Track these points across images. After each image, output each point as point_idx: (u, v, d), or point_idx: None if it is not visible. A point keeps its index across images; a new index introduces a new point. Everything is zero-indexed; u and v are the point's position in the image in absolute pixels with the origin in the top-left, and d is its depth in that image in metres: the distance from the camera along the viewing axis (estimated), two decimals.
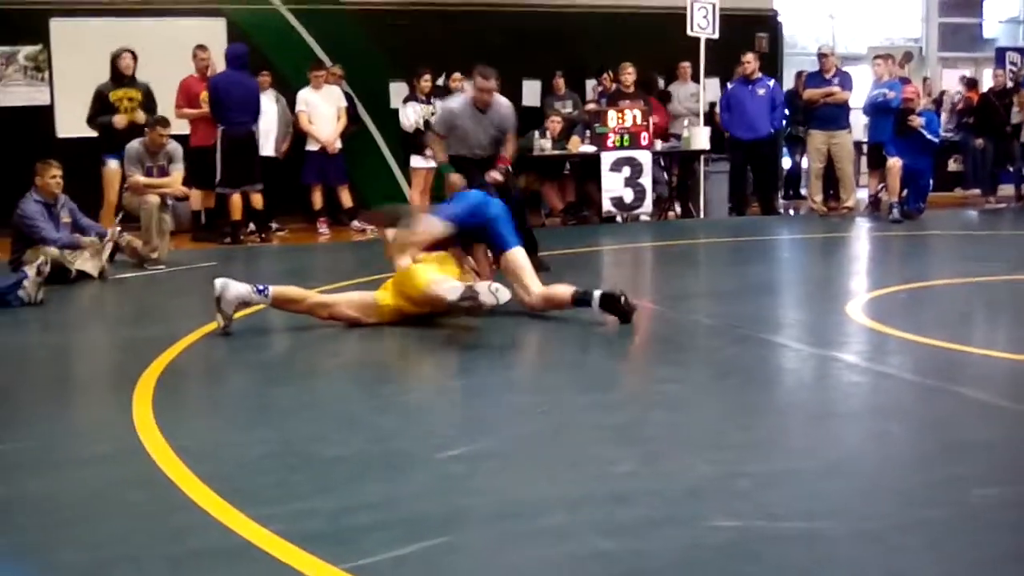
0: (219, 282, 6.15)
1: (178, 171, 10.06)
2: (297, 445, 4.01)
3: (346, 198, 12.64)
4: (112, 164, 10.87)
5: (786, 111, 14.48)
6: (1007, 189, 15.81)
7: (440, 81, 12.80)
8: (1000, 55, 17.63)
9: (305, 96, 12.41)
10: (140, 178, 9.80)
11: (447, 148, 8.61)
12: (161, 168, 9.92)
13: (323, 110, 12.43)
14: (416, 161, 12.43)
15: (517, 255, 6.65)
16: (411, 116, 12.36)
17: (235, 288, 6.12)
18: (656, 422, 4.34)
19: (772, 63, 15.94)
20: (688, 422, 4.34)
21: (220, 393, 5.16)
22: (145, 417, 4.37)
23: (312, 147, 12.43)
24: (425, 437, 4.07)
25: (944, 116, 16.47)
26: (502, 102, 8.61)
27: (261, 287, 6.20)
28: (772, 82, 13.81)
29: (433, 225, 6.54)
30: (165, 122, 9.98)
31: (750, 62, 13.45)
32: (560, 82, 13.85)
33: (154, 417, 4.37)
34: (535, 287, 6.57)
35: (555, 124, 12.88)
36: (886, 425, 4.29)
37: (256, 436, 4.17)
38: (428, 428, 4.24)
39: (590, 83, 14.64)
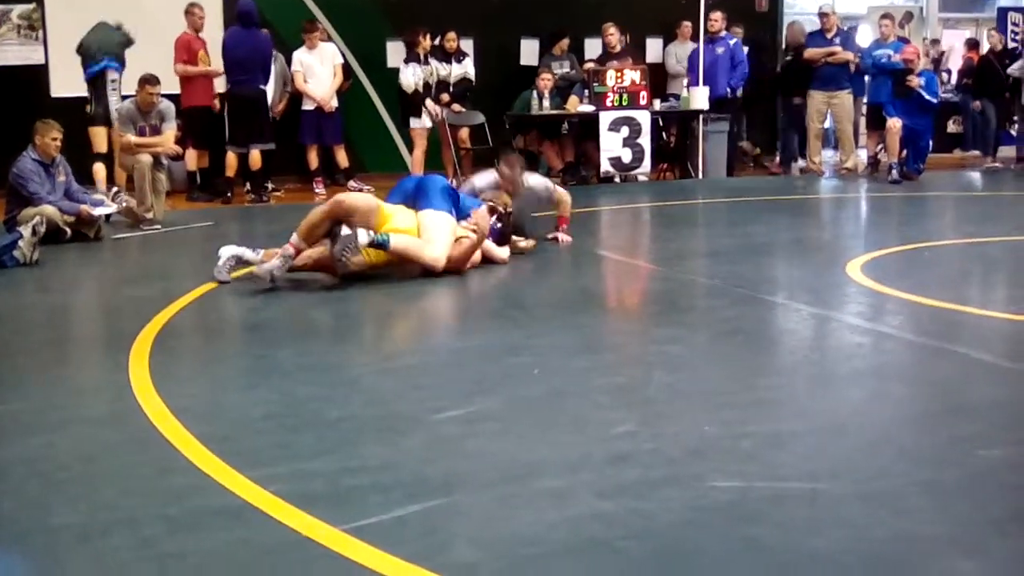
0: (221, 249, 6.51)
1: (170, 130, 9.97)
2: (297, 406, 3.98)
3: (342, 158, 12.55)
4: None
5: None
6: (1008, 151, 15.75)
7: (436, 41, 12.67)
8: (1002, 15, 17.49)
9: (300, 56, 12.29)
10: (132, 137, 9.72)
11: None
12: (153, 127, 9.83)
13: (318, 69, 12.32)
14: (415, 122, 12.34)
15: (428, 217, 6.57)
16: (410, 77, 12.25)
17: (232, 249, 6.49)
18: (656, 383, 4.32)
19: (772, 23, 15.85)
20: (688, 383, 4.32)
21: (218, 353, 5.13)
22: (142, 377, 4.35)
23: (308, 107, 12.33)
24: (424, 399, 4.05)
25: (944, 77, 16.40)
26: (531, 183, 8.03)
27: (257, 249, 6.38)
28: (734, 40, 13.66)
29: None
30: (155, 80, 9.86)
31: (716, 20, 13.33)
32: (564, 43, 13.70)
33: (151, 378, 4.34)
34: (432, 250, 6.45)
35: (545, 82, 12.74)
36: (888, 385, 4.28)
37: (255, 397, 4.14)
38: (427, 390, 4.21)
39: (589, 41, 14.52)
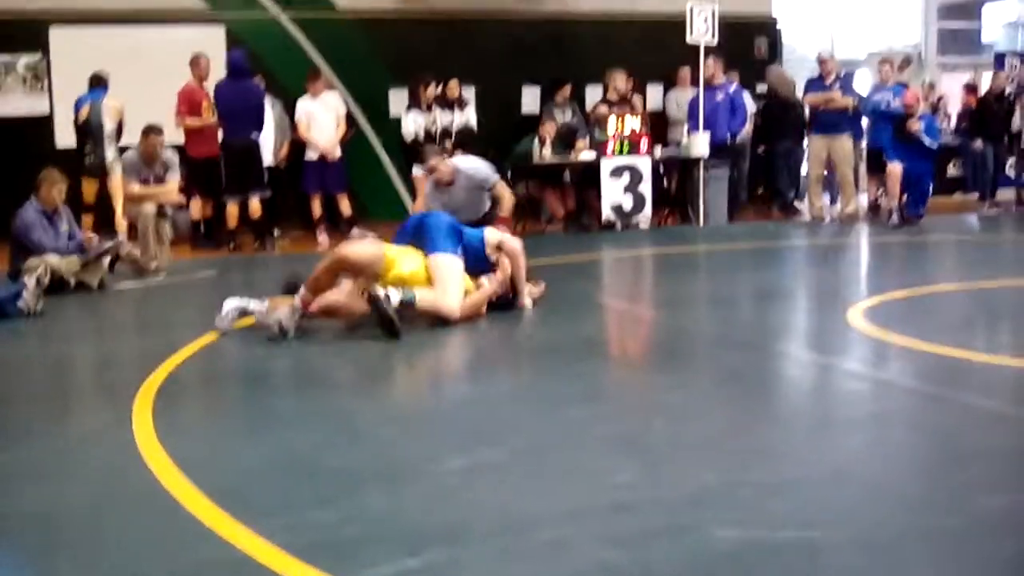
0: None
1: (174, 179, 10.05)
2: (298, 456, 4.00)
3: (345, 206, 12.61)
4: None
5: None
6: (1007, 193, 15.81)
7: (439, 90, 12.76)
8: (999, 59, 17.61)
9: (303, 105, 12.39)
10: (135, 187, 9.78)
11: None
12: (158, 177, 9.92)
13: (322, 118, 12.41)
14: (418, 170, 12.41)
15: (438, 262, 6.62)
16: (411, 125, 12.35)
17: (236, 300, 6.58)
18: (657, 431, 4.34)
19: (783, 68, 15.93)
20: (689, 431, 4.33)
21: (220, 403, 5.16)
22: (145, 428, 4.36)
23: (311, 155, 12.41)
24: (426, 448, 4.06)
25: (944, 120, 16.49)
26: (461, 166, 8.45)
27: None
28: (733, 86, 13.78)
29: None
30: (158, 130, 9.94)
31: (708, 68, 13.43)
32: (566, 90, 13.82)
33: (154, 428, 4.36)
34: (448, 301, 6.51)
35: (549, 131, 12.85)
36: (888, 433, 4.29)
37: (257, 447, 4.16)
38: (429, 440, 4.23)
39: (590, 88, 14.63)
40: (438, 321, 6.44)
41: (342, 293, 6.42)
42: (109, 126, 10.98)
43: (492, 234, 7.11)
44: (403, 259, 6.53)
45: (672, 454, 4.00)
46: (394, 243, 6.88)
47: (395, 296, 6.11)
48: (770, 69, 14.72)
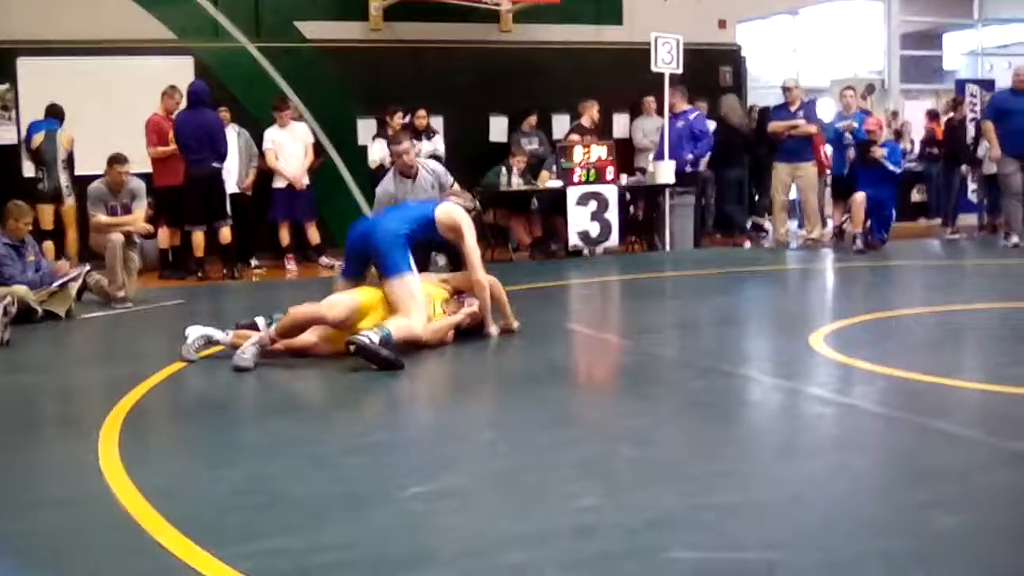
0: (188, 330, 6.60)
1: (140, 208, 10.05)
2: (264, 484, 4.02)
3: (314, 235, 12.65)
4: None
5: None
6: (969, 218, 16.02)
7: (407, 119, 12.85)
8: (960, 87, 17.86)
9: (271, 134, 12.43)
10: (103, 217, 9.79)
11: None
12: (125, 206, 9.91)
13: (290, 147, 12.46)
14: (380, 149, 12.48)
15: (395, 287, 6.60)
16: (377, 152, 12.43)
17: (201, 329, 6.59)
18: (621, 456, 4.38)
19: (736, 96, 16.10)
20: (652, 455, 4.38)
21: (187, 432, 5.16)
22: (111, 458, 4.37)
23: (279, 184, 12.45)
24: (390, 476, 4.09)
25: (908, 146, 16.71)
26: (428, 164, 8.56)
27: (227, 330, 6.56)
28: (694, 114, 13.93)
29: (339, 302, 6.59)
30: (123, 159, 9.94)
31: (669, 96, 13.59)
32: (532, 119, 13.97)
33: (121, 458, 4.37)
34: (415, 322, 6.50)
35: (519, 162, 12.99)
36: (849, 456, 4.35)
37: (223, 476, 4.18)
38: (393, 467, 4.26)
39: (556, 117, 14.75)
40: (410, 346, 6.47)
41: (312, 333, 6.44)
42: (63, 154, 11.19)
43: (443, 214, 7.04)
44: (377, 306, 6.56)
45: (635, 478, 4.04)
46: (346, 249, 7.02)
47: (375, 337, 6.11)
48: (723, 98, 14.87)
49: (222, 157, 11.77)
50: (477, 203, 7.86)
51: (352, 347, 6.06)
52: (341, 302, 6.41)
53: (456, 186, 8.49)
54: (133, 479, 4.04)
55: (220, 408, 5.60)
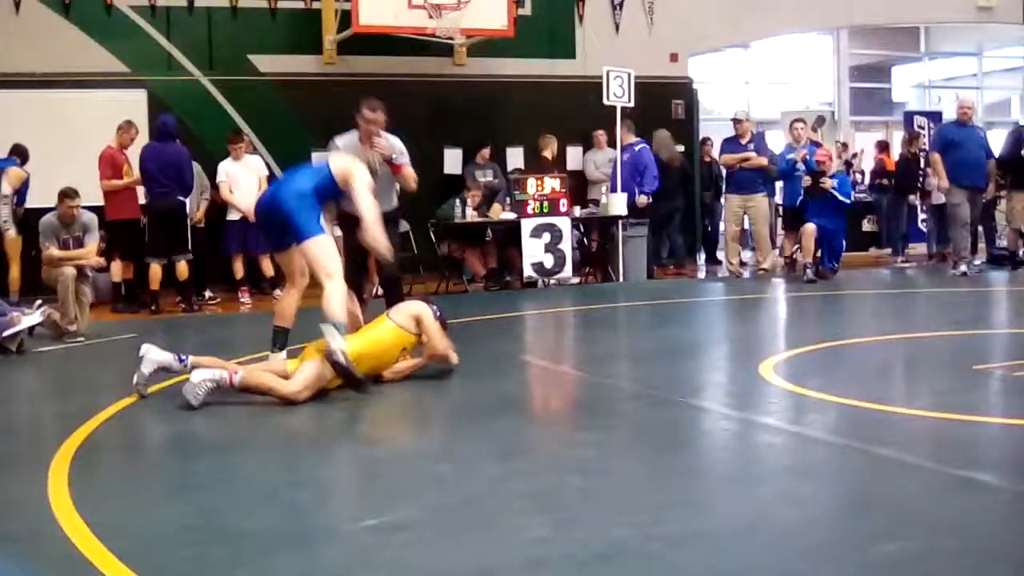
0: (143, 347, 6.40)
1: (93, 241, 9.99)
2: (214, 519, 4.02)
3: (267, 267, 12.62)
4: None
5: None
6: (919, 247, 16.25)
7: None
8: (908, 119, 18.15)
9: (225, 167, 12.43)
10: (54, 251, 9.73)
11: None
12: (77, 239, 9.85)
13: (244, 180, 12.45)
14: (337, 230, 12.45)
15: (309, 247, 6.54)
16: None
17: (157, 354, 6.38)
18: (571, 487, 4.41)
19: (688, 130, 16.29)
20: (603, 486, 4.41)
21: (138, 467, 5.14)
22: (61, 494, 4.35)
23: (233, 216, 12.43)
24: (341, 509, 4.11)
25: (858, 177, 16.96)
26: (390, 136, 8.07)
27: (183, 357, 6.42)
28: (639, 147, 14.06)
29: None
30: (74, 193, 9.87)
31: (605, 134, 13.77)
32: (486, 151, 14.06)
33: (70, 493, 4.34)
34: (332, 281, 6.43)
35: (475, 196, 13.07)
36: (799, 484, 4.40)
37: (173, 511, 4.17)
38: (345, 500, 4.28)
39: (511, 151, 14.85)
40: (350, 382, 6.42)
41: (271, 374, 6.38)
42: (7, 190, 11.32)
43: (337, 165, 6.88)
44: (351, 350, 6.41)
45: (586, 509, 4.07)
46: (259, 223, 7.08)
47: (343, 347, 6.14)
48: (655, 133, 15.01)
49: (188, 190, 11.80)
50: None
51: (330, 361, 6.11)
52: (298, 379, 6.20)
53: (406, 169, 8.16)
54: (83, 515, 4.02)
55: (172, 443, 5.58)
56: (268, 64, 14.09)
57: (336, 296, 6.34)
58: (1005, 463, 4.70)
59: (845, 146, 17.94)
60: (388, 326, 6.74)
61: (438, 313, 6.96)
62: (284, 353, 6.78)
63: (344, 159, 7.06)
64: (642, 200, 13.76)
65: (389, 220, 7.69)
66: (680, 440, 5.33)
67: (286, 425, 5.87)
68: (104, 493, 4.55)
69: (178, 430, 5.76)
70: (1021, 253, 13.75)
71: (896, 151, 16.92)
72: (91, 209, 10.37)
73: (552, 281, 12.98)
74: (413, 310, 6.89)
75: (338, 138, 8.12)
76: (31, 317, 8.96)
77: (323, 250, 6.52)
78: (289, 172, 7.32)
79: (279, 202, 6.68)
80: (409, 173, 8.11)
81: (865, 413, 5.59)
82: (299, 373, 6.23)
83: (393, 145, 8.01)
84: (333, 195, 6.82)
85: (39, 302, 9.67)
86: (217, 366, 6.30)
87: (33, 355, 8.64)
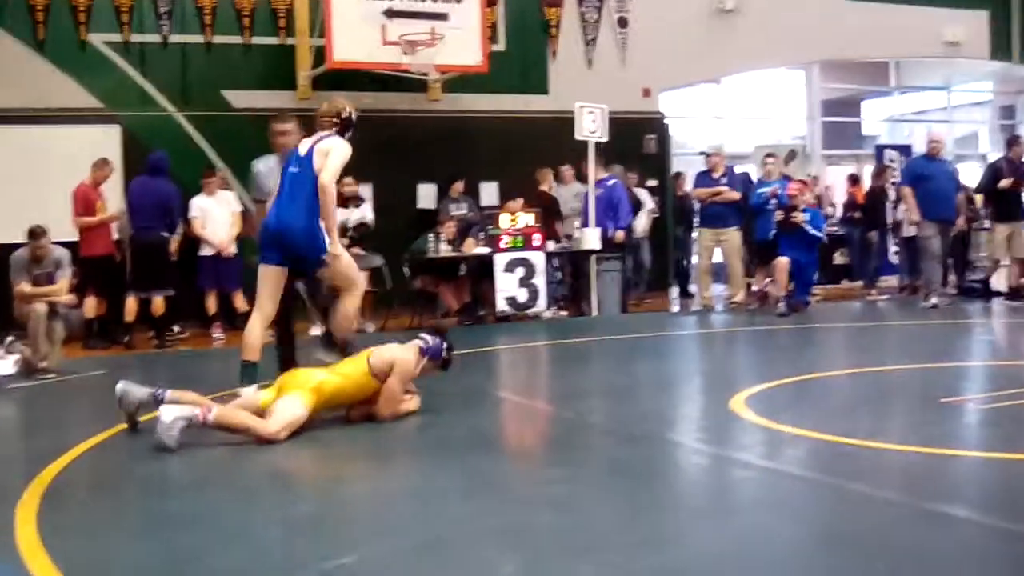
0: (119, 387, 6.34)
1: (65, 278, 9.96)
2: (183, 558, 4.00)
3: (240, 303, 12.59)
4: None
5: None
6: (891, 280, 16.36)
7: None
8: (879, 152, 18.32)
9: (198, 202, 12.42)
10: (25, 287, 9.69)
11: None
12: (49, 275, 9.82)
13: (217, 215, 12.45)
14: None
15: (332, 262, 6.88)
16: None
17: (136, 392, 6.35)
18: (543, 524, 4.41)
19: (660, 164, 16.39)
20: (574, 523, 4.41)
21: (107, 505, 5.10)
22: (29, 534, 4.33)
23: (206, 252, 12.41)
24: (311, 548, 4.09)
25: (830, 211, 17.08)
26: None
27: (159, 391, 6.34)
28: (612, 181, 14.15)
29: None
30: (41, 232, 9.77)
31: (586, 165, 13.84)
32: (460, 185, 14.12)
33: (38, 533, 4.32)
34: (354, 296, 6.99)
35: (449, 230, 13.10)
36: (770, 519, 4.42)
37: (143, 549, 4.15)
38: (315, 538, 4.26)
39: (484, 185, 14.90)
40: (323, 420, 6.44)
41: (247, 412, 6.26)
42: None
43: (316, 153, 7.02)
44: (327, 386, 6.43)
45: (556, 546, 4.07)
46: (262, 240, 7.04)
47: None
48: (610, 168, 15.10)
49: (173, 227, 11.86)
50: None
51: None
52: (277, 419, 6.11)
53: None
54: (50, 553, 4.01)
55: (142, 481, 5.55)
56: (242, 99, 14.13)
57: (351, 310, 6.80)
58: (973, 496, 4.74)
59: (817, 179, 18.07)
60: (362, 368, 6.59)
61: (440, 349, 6.94)
62: (254, 387, 6.75)
63: (320, 145, 7.08)
64: (619, 236, 13.85)
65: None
66: (652, 476, 5.34)
67: (256, 463, 5.84)
68: (73, 532, 4.52)
69: (149, 468, 5.72)
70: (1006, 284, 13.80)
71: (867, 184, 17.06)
72: (65, 245, 10.34)
73: (528, 315, 13.01)
74: (392, 356, 6.69)
75: (258, 161, 8.17)
76: (4, 364, 8.94)
77: (348, 262, 6.90)
78: (283, 199, 7.09)
79: (290, 237, 6.87)
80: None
81: (835, 447, 5.63)
82: (277, 413, 6.14)
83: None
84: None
85: (10, 338, 9.63)
86: (190, 401, 6.25)
87: (3, 392, 8.59)
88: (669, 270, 16.31)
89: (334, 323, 6.98)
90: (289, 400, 6.19)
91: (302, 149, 7.05)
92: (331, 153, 6.88)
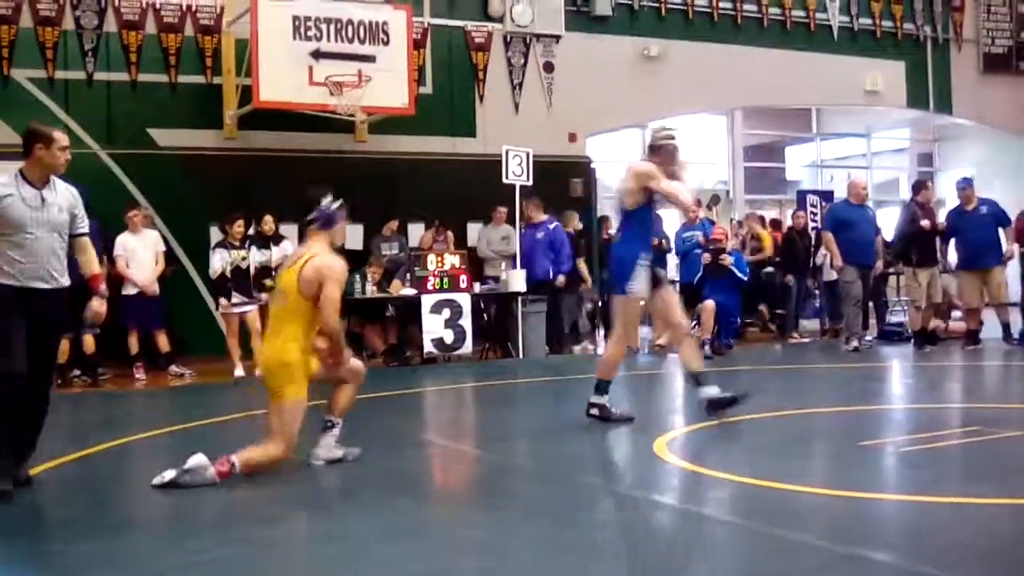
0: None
1: None
2: None
3: (163, 342, 12.48)
4: None
5: None
6: (812, 324, 16.59)
7: (250, 228, 12.80)
8: (801, 198, 18.61)
9: (123, 240, 12.30)
10: None
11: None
12: None
13: (141, 254, 12.35)
14: (224, 306, 12.38)
15: None
16: (217, 263, 12.36)
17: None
18: (465, 569, 4.41)
19: (587, 207, 16.52)
20: (495, 567, 4.42)
21: (21, 550, 5.01)
22: None
23: (129, 291, 12.28)
24: None
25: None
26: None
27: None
28: (554, 225, 14.31)
29: None
30: None
31: (525, 207, 14.02)
32: (394, 224, 14.13)
33: None
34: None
35: (375, 272, 13.11)
36: (689, 564, 4.45)
37: None
38: None
39: (412, 227, 14.90)
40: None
41: (259, 448, 6.32)
42: None
43: None
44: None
45: None
46: None
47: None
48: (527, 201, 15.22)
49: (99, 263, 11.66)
50: None
51: None
52: (277, 439, 6.28)
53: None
54: None
55: (59, 525, 5.47)
56: (168, 138, 14.03)
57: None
58: (892, 539, 4.80)
59: (740, 224, 18.30)
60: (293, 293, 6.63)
61: (331, 213, 7.25)
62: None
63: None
64: (561, 280, 13.96)
65: None
66: (575, 520, 5.35)
67: (176, 506, 5.77)
68: None
69: (67, 512, 5.64)
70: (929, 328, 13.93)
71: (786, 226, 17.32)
72: None
73: (462, 355, 13.02)
74: (314, 268, 6.72)
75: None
76: None
77: None
78: None
79: None
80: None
81: (756, 490, 5.68)
82: (272, 435, 6.33)
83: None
84: None
85: None
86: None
87: None
88: (595, 315, 16.38)
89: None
90: (288, 409, 6.33)
91: None
92: None
